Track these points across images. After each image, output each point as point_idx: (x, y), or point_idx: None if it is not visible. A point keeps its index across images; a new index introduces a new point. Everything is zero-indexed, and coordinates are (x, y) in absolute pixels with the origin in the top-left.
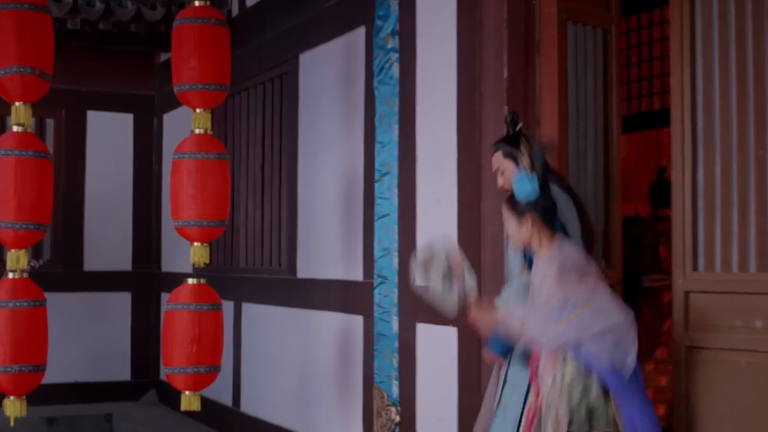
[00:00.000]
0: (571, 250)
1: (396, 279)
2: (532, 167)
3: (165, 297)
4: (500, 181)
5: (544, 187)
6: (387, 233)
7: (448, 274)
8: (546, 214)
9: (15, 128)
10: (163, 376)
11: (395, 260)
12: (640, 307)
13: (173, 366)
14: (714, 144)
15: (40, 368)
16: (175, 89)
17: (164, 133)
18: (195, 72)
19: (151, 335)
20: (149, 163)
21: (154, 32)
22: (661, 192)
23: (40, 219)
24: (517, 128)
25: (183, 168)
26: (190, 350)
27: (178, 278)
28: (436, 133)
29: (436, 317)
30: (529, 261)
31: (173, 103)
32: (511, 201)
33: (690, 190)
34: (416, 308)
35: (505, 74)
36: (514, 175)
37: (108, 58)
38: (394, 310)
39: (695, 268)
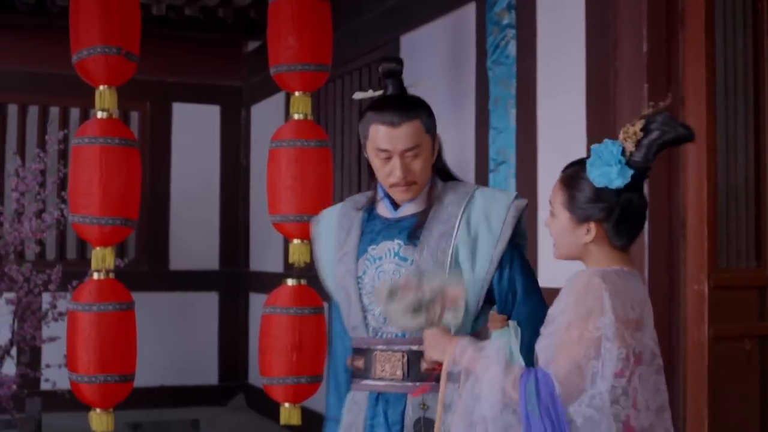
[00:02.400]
0: (637, 290)
1: None
2: (638, 143)
3: (253, 297)
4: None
5: (638, 180)
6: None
7: (421, 306)
8: (623, 227)
9: (99, 114)
10: (252, 380)
11: None
12: None
13: (272, 376)
14: None
15: (127, 378)
16: (272, 71)
17: (252, 125)
18: (293, 51)
19: (239, 337)
20: (237, 156)
21: (243, 18)
22: None
23: (128, 213)
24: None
25: (281, 157)
26: (290, 359)
27: (268, 278)
28: (560, 117)
29: None
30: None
31: (262, 93)
32: (570, 182)
33: None
34: None
35: (645, 48)
36: (595, 147)
37: (194, 47)
38: None
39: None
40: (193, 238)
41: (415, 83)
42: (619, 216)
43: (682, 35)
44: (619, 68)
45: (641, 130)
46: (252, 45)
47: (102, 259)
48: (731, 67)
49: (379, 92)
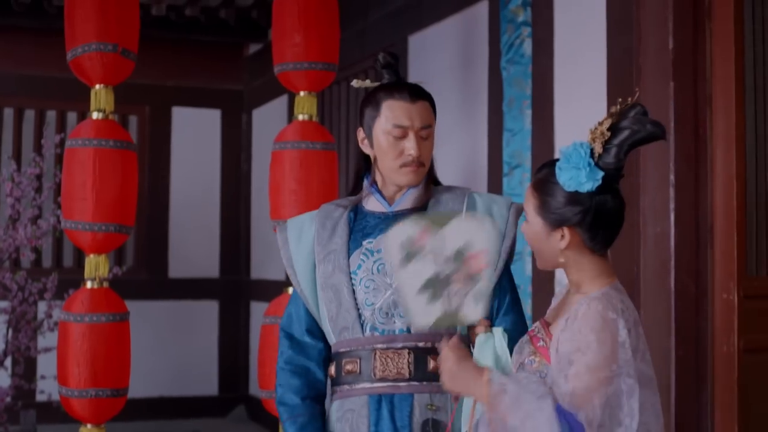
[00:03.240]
0: (631, 310)
1: (529, 288)
2: (607, 145)
3: (254, 306)
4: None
5: (610, 181)
6: (518, 235)
7: (444, 281)
8: (599, 231)
9: (95, 115)
10: (253, 391)
11: (528, 266)
12: None
13: (271, 389)
14: None
15: (120, 393)
16: (276, 69)
17: (253, 130)
18: (299, 49)
19: (239, 347)
20: (238, 161)
21: (245, 20)
22: None
23: (123, 219)
24: None
25: (284, 160)
26: None
27: (269, 286)
28: (580, 118)
29: None
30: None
31: (263, 97)
32: (542, 187)
33: None
34: None
35: (671, 44)
36: (564, 150)
37: (194, 50)
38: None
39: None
40: (193, 245)
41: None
42: (592, 220)
43: (709, 29)
44: (643, 65)
45: (609, 129)
46: (253, 48)
47: (95, 267)
48: (761, 63)
49: (378, 84)
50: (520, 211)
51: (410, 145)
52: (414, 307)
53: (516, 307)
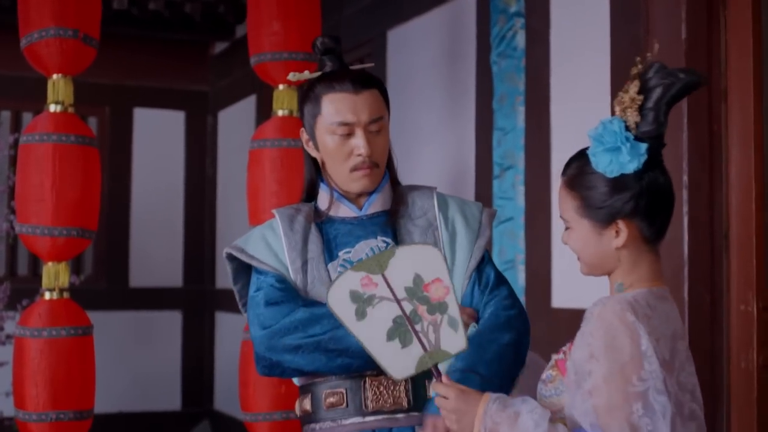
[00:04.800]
0: (669, 320)
1: (523, 299)
2: (642, 109)
3: (220, 317)
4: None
5: (655, 152)
6: (510, 242)
7: (411, 320)
8: (657, 214)
9: (52, 108)
10: (217, 406)
11: (521, 276)
12: None
13: (256, 412)
14: None
15: (85, 415)
16: (252, 60)
17: (219, 132)
18: (279, 38)
19: (204, 359)
20: (203, 165)
21: (211, 15)
22: None
23: (85, 223)
24: None
25: (264, 159)
26: (278, 391)
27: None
28: (579, 115)
29: None
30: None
31: (230, 98)
32: (578, 182)
33: None
34: (552, 336)
35: (684, 34)
36: (591, 133)
37: (157, 48)
38: None
39: None
40: (155, 253)
41: (360, 67)
42: (648, 203)
43: (723, 18)
44: (652, 57)
45: (639, 93)
46: (219, 47)
47: (55, 275)
48: None
49: (318, 74)
50: (493, 215)
51: (359, 144)
52: (387, 359)
53: (504, 281)
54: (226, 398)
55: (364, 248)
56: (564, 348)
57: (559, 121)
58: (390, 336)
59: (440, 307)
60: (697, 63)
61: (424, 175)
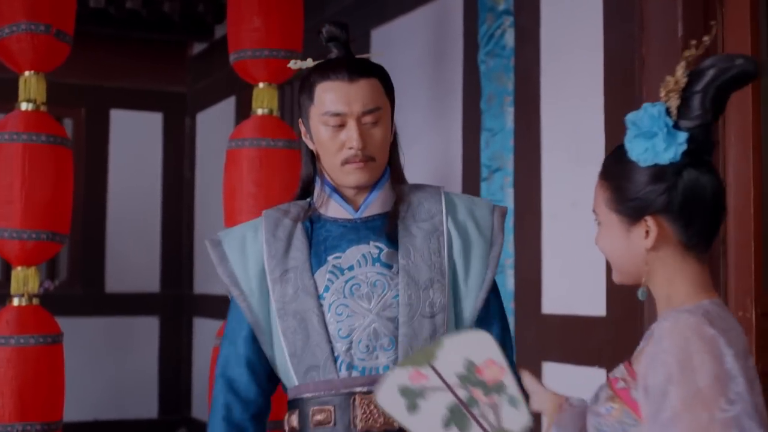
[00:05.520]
0: (738, 334)
1: (512, 305)
2: (685, 95)
3: (198, 322)
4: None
5: (699, 148)
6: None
7: (468, 406)
8: (694, 217)
9: (24, 106)
10: (195, 413)
11: (510, 281)
12: None
13: None
14: None
15: (53, 427)
16: (232, 58)
17: (198, 134)
18: (259, 35)
19: (181, 366)
20: (180, 168)
21: (190, 15)
22: None
23: (56, 226)
24: None
25: (242, 159)
26: None
27: (214, 301)
28: (570, 115)
29: (572, 355)
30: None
31: (208, 100)
32: (612, 171)
33: None
34: (543, 343)
35: (680, 32)
36: (630, 117)
37: (135, 48)
38: None
39: None
40: (132, 257)
41: (368, 56)
42: (683, 200)
43: (720, 15)
44: (647, 55)
45: (687, 76)
46: (198, 47)
47: (23, 281)
48: None
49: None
50: (504, 215)
51: (350, 136)
52: None
53: (504, 318)
54: (203, 406)
55: (355, 254)
56: (619, 374)
57: (549, 122)
58: (446, 424)
59: (497, 388)
60: (695, 62)
61: (408, 177)
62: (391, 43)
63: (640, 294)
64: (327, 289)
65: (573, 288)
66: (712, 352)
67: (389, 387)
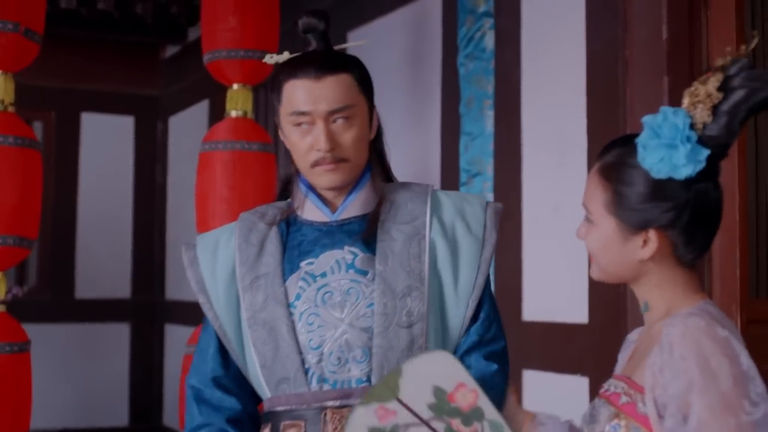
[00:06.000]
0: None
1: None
2: (716, 110)
3: (170, 329)
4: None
5: (713, 163)
6: None
7: None
8: (698, 233)
9: None
10: (167, 421)
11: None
12: None
13: None
14: None
15: None
16: (206, 58)
17: (170, 138)
18: (234, 35)
19: (152, 374)
20: (152, 173)
21: (163, 17)
22: None
23: (24, 231)
24: None
25: (215, 162)
26: None
27: (186, 308)
28: (552, 118)
29: (553, 363)
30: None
31: (181, 104)
32: (615, 173)
33: None
34: (523, 351)
35: (665, 34)
36: (649, 121)
37: (106, 50)
38: None
39: None
40: (103, 263)
41: (347, 46)
42: (691, 218)
43: (705, 17)
44: (631, 57)
45: (719, 89)
46: (171, 50)
47: None
48: (762, 57)
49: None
50: (497, 212)
51: (317, 138)
52: None
53: (496, 318)
54: (175, 413)
55: (328, 260)
56: (619, 389)
57: (530, 126)
58: None
59: (476, 415)
60: (680, 64)
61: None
62: (369, 46)
63: (644, 307)
64: (298, 297)
65: (554, 295)
66: (728, 353)
67: (357, 430)
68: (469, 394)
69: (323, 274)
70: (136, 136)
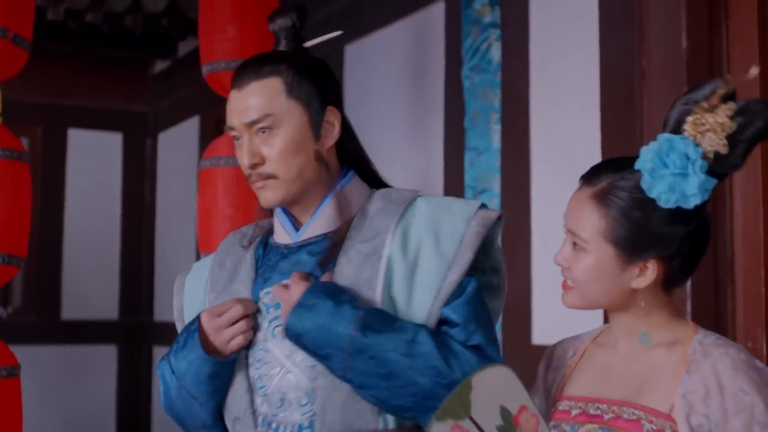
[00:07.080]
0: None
1: (500, 335)
2: (733, 139)
3: (158, 351)
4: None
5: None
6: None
7: None
8: (693, 261)
9: None
10: None
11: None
12: None
13: None
14: None
15: None
16: (204, 70)
17: (159, 155)
18: (234, 44)
19: (140, 396)
20: (141, 191)
21: (153, 30)
22: None
23: (13, 248)
24: None
25: (217, 179)
26: None
27: (175, 330)
28: (564, 133)
29: None
30: None
31: (171, 120)
32: (614, 200)
33: None
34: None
35: (684, 43)
36: (654, 148)
37: (94, 65)
38: None
39: None
40: (90, 283)
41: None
42: (692, 246)
43: (725, 26)
44: (648, 68)
45: (731, 118)
46: (160, 65)
47: None
48: None
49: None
50: (487, 224)
51: (239, 154)
52: None
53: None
54: None
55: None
56: (633, 416)
57: (539, 141)
58: None
59: None
60: (700, 75)
61: None
62: (367, 59)
63: (645, 339)
64: (256, 329)
65: (565, 317)
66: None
67: None
68: (531, 418)
69: (277, 305)
70: (125, 152)
